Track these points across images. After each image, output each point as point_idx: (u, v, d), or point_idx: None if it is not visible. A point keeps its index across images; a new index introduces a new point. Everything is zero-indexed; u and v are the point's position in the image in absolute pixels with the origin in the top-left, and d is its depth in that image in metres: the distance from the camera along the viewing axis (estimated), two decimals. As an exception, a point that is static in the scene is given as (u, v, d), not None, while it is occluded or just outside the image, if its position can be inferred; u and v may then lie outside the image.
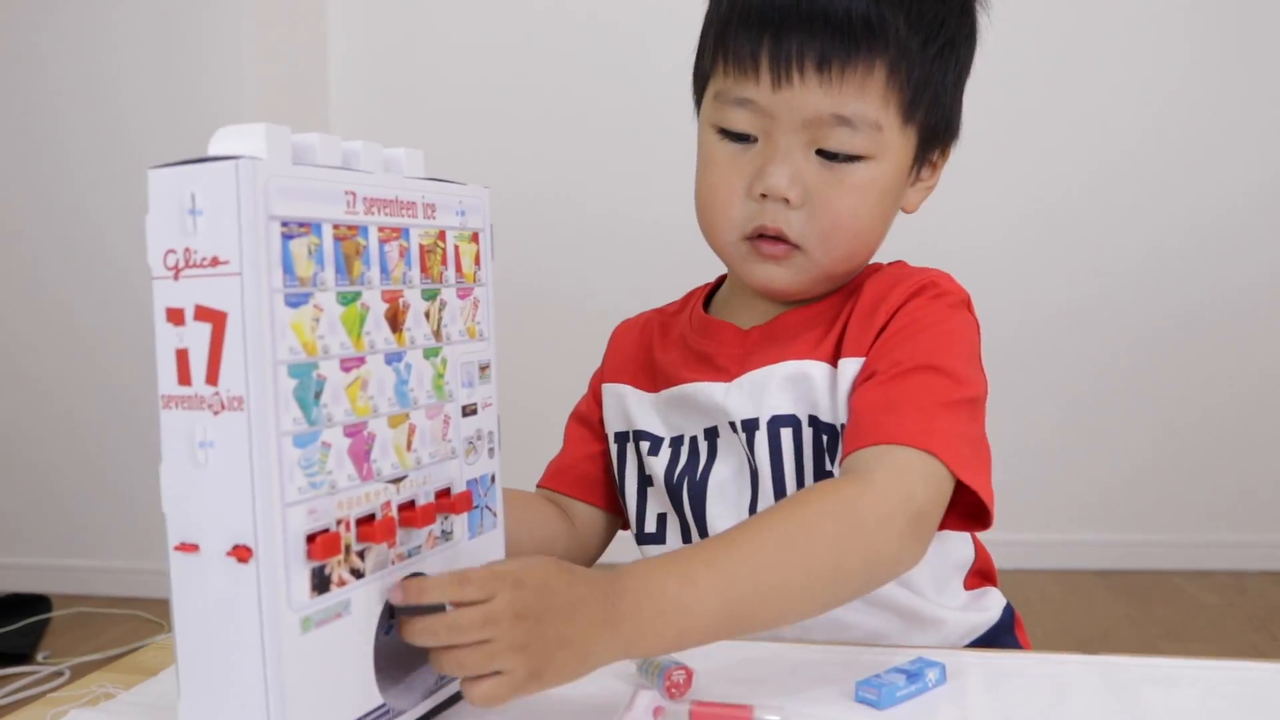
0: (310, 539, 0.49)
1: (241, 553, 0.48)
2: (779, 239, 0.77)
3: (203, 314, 0.48)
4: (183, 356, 0.48)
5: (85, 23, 2.33)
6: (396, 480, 0.56)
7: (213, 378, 0.48)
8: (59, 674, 1.88)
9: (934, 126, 0.79)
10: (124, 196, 2.24)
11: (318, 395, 0.50)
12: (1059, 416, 2.50)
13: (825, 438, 0.77)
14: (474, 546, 0.62)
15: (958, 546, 0.84)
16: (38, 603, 2.23)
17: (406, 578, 0.56)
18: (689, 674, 0.63)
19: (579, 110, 2.51)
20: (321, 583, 0.50)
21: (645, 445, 0.84)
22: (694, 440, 0.82)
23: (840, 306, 0.80)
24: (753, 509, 0.79)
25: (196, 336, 0.48)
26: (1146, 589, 2.33)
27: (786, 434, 0.77)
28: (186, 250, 0.48)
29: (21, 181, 2.40)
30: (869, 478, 0.67)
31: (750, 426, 0.78)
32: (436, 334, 0.59)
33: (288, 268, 0.48)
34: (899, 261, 0.85)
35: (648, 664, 0.64)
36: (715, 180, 0.78)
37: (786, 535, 0.63)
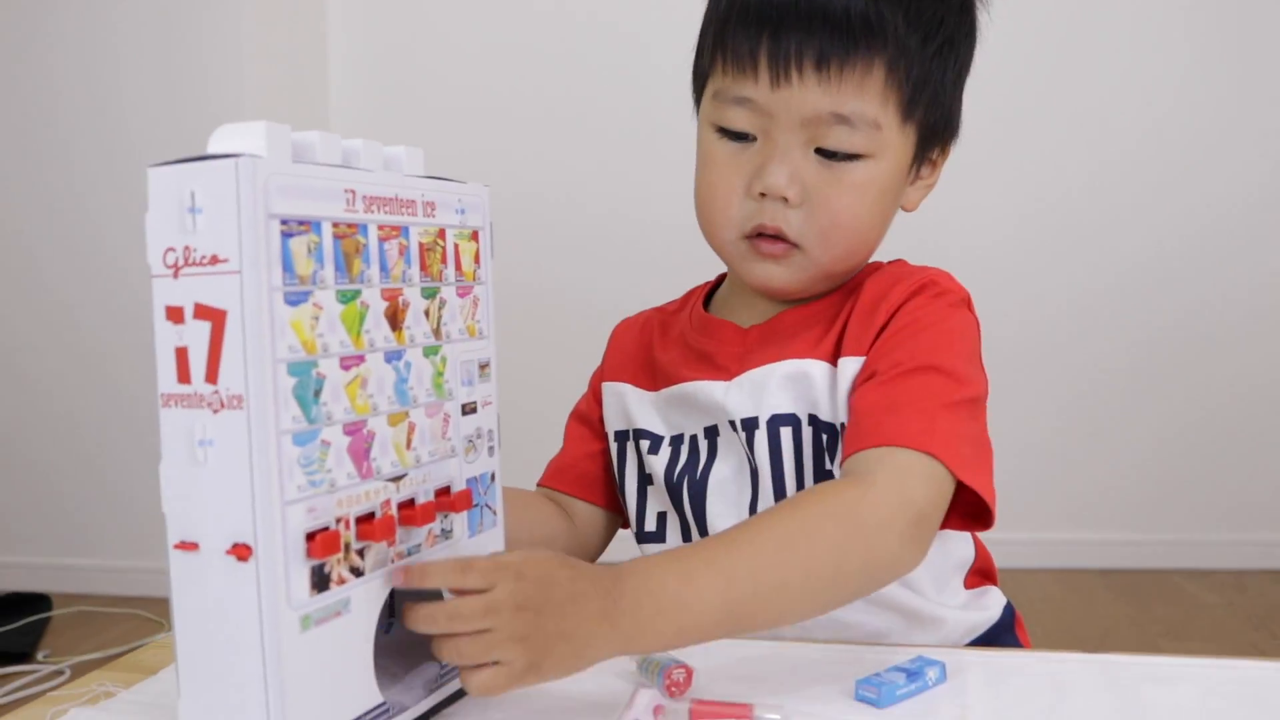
0: (310, 537, 0.49)
1: (241, 551, 0.48)
2: (778, 238, 0.77)
3: (202, 312, 0.48)
4: (182, 355, 0.48)
5: (85, 23, 2.33)
6: (396, 478, 0.56)
7: (212, 376, 0.48)
8: (59, 673, 1.88)
9: (933, 125, 0.79)
10: (124, 196, 2.24)
11: (317, 393, 0.50)
12: (1059, 416, 2.50)
13: (825, 437, 0.77)
14: (474, 545, 0.62)
15: (958, 546, 0.84)
16: (38, 602, 2.23)
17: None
18: (689, 672, 0.63)
19: (579, 110, 2.51)
20: (321, 581, 0.50)
21: (645, 444, 0.84)
22: (694, 439, 0.82)
23: (840, 305, 0.80)
24: (753, 508, 0.79)
25: (196, 335, 0.48)
26: (1147, 588, 2.33)
27: (786, 433, 0.77)
28: (186, 248, 0.48)
29: (21, 181, 2.40)
30: (870, 480, 0.67)
31: (750, 425, 0.78)
32: (436, 332, 0.59)
33: (287, 266, 0.48)
34: (899, 260, 0.85)
35: (648, 663, 0.64)
36: (714, 179, 0.78)
37: (787, 536, 0.63)
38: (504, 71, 2.53)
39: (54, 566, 2.42)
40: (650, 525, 0.85)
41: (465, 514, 0.61)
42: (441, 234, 0.60)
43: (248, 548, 0.48)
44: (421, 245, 0.58)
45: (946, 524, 0.71)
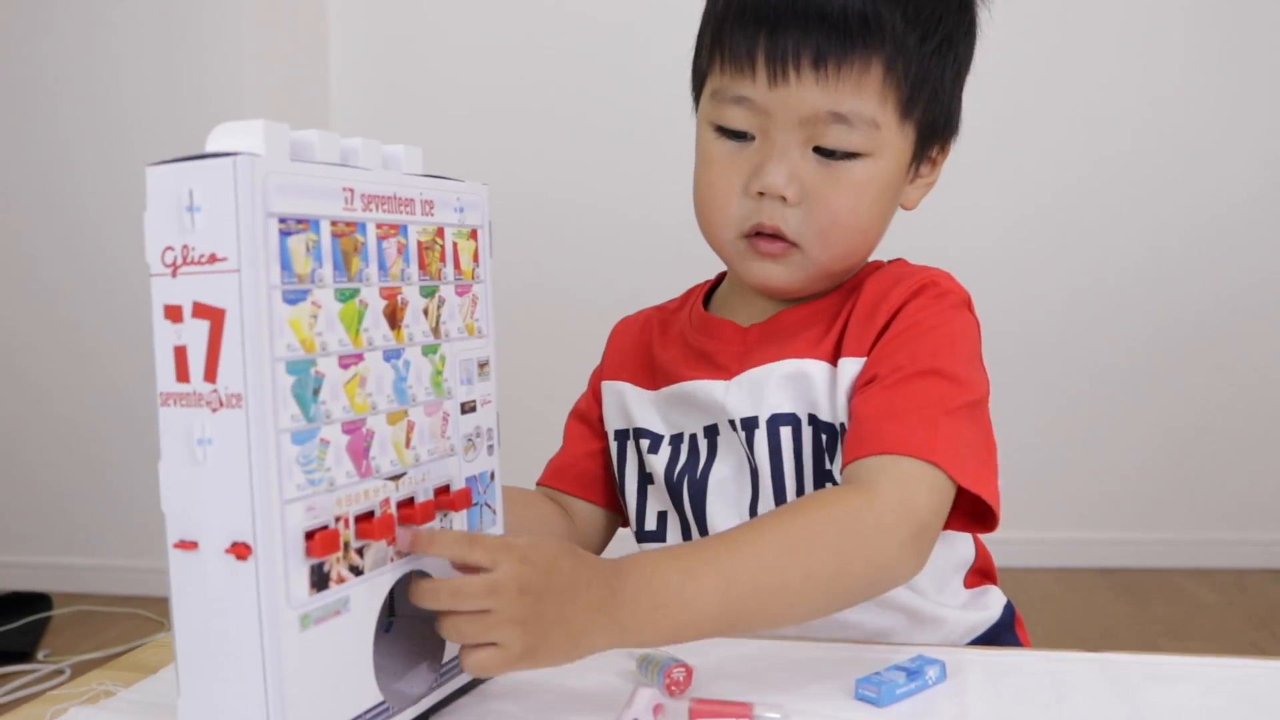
0: (309, 536, 0.49)
1: (240, 550, 0.48)
2: (776, 237, 0.77)
3: (201, 311, 0.48)
4: (181, 354, 0.48)
5: (85, 23, 2.33)
6: (395, 477, 0.56)
7: (211, 375, 0.48)
8: (59, 672, 1.87)
9: (932, 123, 0.79)
10: (124, 195, 2.24)
11: (316, 392, 0.50)
12: (1059, 416, 2.50)
13: (824, 437, 0.77)
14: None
15: (958, 546, 0.84)
16: (38, 601, 2.23)
17: (413, 574, 0.56)
18: (689, 671, 0.63)
19: (579, 109, 2.51)
20: (320, 580, 0.50)
21: (645, 443, 0.84)
22: (694, 438, 0.82)
23: (840, 305, 0.80)
24: (753, 507, 0.79)
25: (194, 334, 0.48)
26: (1147, 587, 2.33)
27: (786, 432, 0.77)
28: (184, 247, 0.48)
29: (21, 181, 2.39)
30: (873, 488, 0.67)
31: (750, 425, 0.78)
32: (435, 331, 0.59)
33: (286, 264, 0.48)
34: (899, 259, 0.85)
35: (648, 661, 0.64)
36: (713, 178, 0.78)
37: (788, 539, 0.63)
38: (503, 70, 2.53)
39: (54, 566, 2.42)
40: (650, 524, 0.85)
41: (465, 513, 0.61)
42: (440, 232, 0.60)
43: (247, 547, 0.48)
44: (420, 244, 0.58)
45: (951, 525, 0.71)
